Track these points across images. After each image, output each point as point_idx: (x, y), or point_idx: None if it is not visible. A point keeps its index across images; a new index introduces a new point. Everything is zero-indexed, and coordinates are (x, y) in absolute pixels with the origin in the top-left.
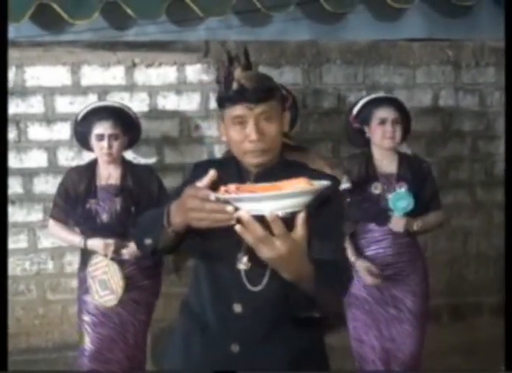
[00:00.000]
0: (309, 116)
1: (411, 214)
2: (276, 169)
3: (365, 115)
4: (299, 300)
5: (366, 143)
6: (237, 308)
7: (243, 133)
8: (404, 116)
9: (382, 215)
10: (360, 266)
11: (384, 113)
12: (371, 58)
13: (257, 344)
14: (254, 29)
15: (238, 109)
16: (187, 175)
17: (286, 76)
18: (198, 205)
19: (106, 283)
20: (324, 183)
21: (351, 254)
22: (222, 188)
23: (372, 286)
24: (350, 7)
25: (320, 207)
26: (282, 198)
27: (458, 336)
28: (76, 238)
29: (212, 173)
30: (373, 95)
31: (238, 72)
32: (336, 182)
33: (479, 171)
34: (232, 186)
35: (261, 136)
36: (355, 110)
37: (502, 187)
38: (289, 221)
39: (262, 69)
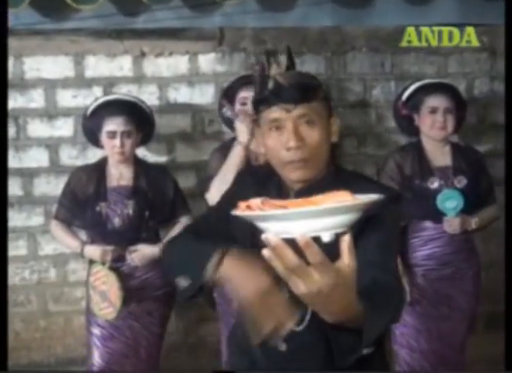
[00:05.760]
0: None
1: (467, 211)
2: (325, 184)
3: (415, 102)
4: (343, 343)
5: (417, 132)
6: (282, 346)
7: (280, 140)
8: (458, 105)
9: (439, 212)
10: None
11: (436, 101)
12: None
13: None
14: (274, 14)
15: (274, 112)
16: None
17: (308, 65)
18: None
19: (106, 294)
20: (374, 197)
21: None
22: (243, 203)
23: (426, 287)
24: None
25: (370, 224)
26: (318, 216)
27: (493, 347)
28: (75, 244)
29: None
30: (426, 81)
31: (275, 69)
32: (393, 195)
33: None
34: (256, 201)
35: (300, 143)
36: (405, 96)
37: None
38: (330, 245)
39: (281, 58)
